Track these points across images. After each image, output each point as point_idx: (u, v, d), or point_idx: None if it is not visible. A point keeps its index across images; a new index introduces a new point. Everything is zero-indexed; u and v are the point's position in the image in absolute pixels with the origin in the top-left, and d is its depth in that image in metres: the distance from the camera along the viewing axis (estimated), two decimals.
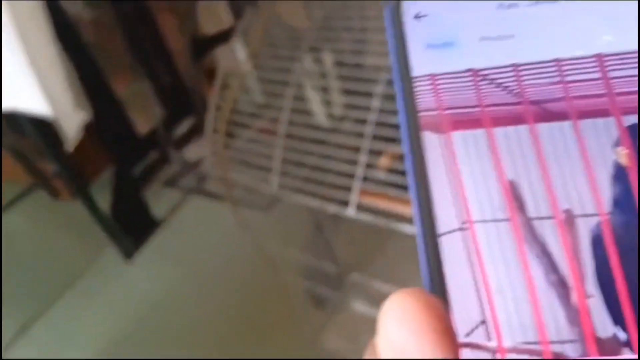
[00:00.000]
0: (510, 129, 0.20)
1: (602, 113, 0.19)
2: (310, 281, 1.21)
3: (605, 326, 0.18)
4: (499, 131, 0.20)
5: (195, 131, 1.90)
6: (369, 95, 0.88)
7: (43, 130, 1.45)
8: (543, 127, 0.20)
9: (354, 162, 0.87)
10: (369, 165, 0.86)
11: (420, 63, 0.20)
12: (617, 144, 0.19)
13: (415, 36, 0.21)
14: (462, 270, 0.19)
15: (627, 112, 0.19)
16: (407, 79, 0.20)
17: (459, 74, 0.20)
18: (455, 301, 0.19)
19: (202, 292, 1.62)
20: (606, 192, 0.19)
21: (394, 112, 0.86)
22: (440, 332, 0.18)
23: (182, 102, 1.82)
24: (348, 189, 0.87)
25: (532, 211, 0.19)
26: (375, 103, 0.86)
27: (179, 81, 1.82)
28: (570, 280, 0.19)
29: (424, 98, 0.20)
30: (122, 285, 1.70)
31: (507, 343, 0.18)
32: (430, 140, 0.20)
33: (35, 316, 1.65)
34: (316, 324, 1.36)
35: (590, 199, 0.19)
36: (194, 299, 1.61)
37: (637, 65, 0.19)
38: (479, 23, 0.20)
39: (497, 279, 0.19)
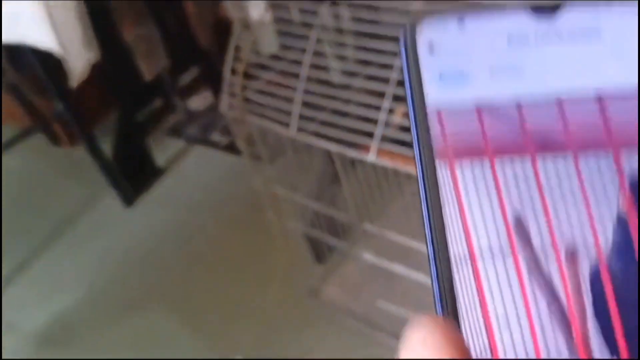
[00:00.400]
0: (517, 164, 0.20)
1: (605, 153, 0.20)
2: (316, 230, 1.21)
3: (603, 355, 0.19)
4: (506, 166, 0.20)
5: (201, 82, 1.89)
6: (384, 52, 0.87)
7: (48, 67, 1.44)
8: (549, 164, 0.20)
9: (376, 108, 0.87)
10: (391, 111, 0.86)
11: (433, 93, 0.21)
12: (619, 195, 0.20)
13: (429, 65, 0.21)
14: (468, 301, 0.19)
15: (628, 151, 0.20)
16: (421, 108, 0.21)
17: (468, 108, 0.21)
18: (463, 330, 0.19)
19: (200, 240, 1.63)
20: (608, 231, 0.19)
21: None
22: (461, 353, 0.18)
23: (189, 52, 1.80)
24: (369, 134, 0.87)
25: (537, 246, 0.20)
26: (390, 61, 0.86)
27: (187, 30, 1.80)
28: (571, 314, 0.19)
29: (435, 129, 0.21)
30: (120, 229, 1.70)
31: None
32: (440, 171, 0.20)
33: (32, 256, 1.65)
34: (318, 274, 1.38)
35: (592, 238, 0.19)
36: (191, 246, 1.61)
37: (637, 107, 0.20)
38: (490, 55, 0.21)
39: (501, 312, 0.19)
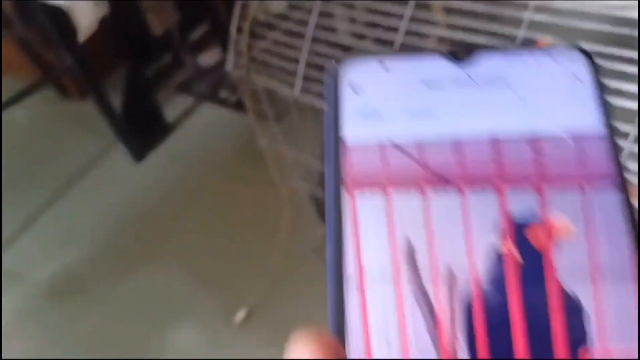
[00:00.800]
0: (411, 196, 0.22)
1: (490, 191, 0.22)
2: (321, 190, 1.22)
3: None
4: (401, 198, 0.22)
5: (210, 38, 1.88)
6: (394, 15, 0.86)
7: (56, 20, 1.43)
8: (440, 198, 0.22)
9: None
10: None
11: (347, 127, 0.23)
12: (499, 230, 0.22)
13: (349, 101, 0.24)
14: (356, 318, 0.21)
15: (515, 191, 0.22)
16: (334, 139, 0.23)
17: (375, 144, 0.23)
18: (350, 344, 0.21)
19: (208, 195, 1.65)
20: (485, 262, 0.21)
21: (418, 35, 0.86)
22: None
23: (199, 7, 1.79)
24: None
25: (423, 270, 0.21)
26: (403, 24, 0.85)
27: None
28: (446, 333, 0.21)
29: (344, 160, 0.23)
30: (129, 184, 1.72)
31: None
32: (344, 198, 0.22)
33: (41, 209, 1.67)
34: (322, 233, 1.39)
35: (469, 267, 0.21)
36: (199, 201, 1.63)
37: (527, 151, 0.22)
38: (405, 96, 0.24)
39: (382, 329, 0.21)
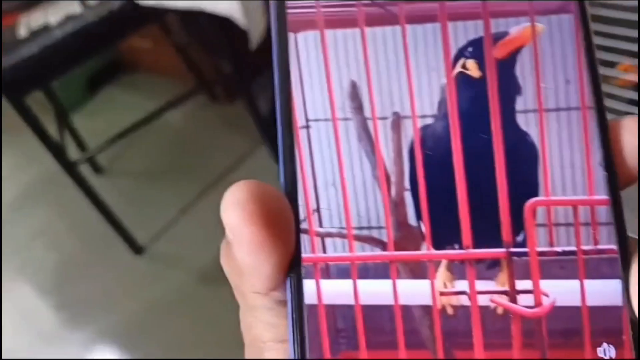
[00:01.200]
0: (350, 32, 0.22)
1: (433, 25, 0.21)
2: None
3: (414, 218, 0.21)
4: (339, 37, 0.22)
5: None
6: None
7: (221, 29, 1.55)
8: (378, 35, 0.21)
9: None
10: None
11: None
12: (464, 55, 0.21)
13: None
14: (305, 165, 0.21)
15: (456, 25, 0.21)
16: None
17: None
18: (300, 192, 0.21)
19: None
20: (433, 98, 0.21)
21: None
22: (267, 217, 0.20)
23: None
24: None
25: (368, 111, 0.21)
26: None
27: None
28: (392, 176, 0.21)
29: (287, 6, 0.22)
30: (270, 179, 1.81)
31: (326, 227, 0.21)
32: (290, 43, 0.22)
33: (193, 201, 1.81)
34: None
35: (411, 107, 0.21)
36: None
37: None
38: None
39: (330, 173, 0.21)
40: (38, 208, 1.93)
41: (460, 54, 0.21)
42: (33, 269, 1.77)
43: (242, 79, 1.70)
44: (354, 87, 0.21)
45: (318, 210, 0.21)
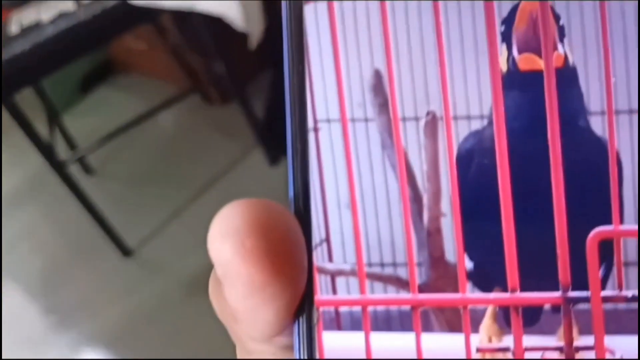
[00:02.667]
0: (371, 2, 0.16)
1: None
2: None
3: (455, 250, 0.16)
4: (362, 4, 0.16)
5: None
6: None
7: (212, 29, 1.54)
8: (414, 3, 0.16)
9: None
10: None
11: None
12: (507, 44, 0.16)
13: None
14: (324, 177, 0.17)
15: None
16: None
17: None
18: (314, 212, 0.16)
19: None
20: (485, 97, 0.15)
21: None
22: (271, 253, 0.15)
23: None
24: None
25: (394, 108, 0.16)
26: None
27: None
28: (425, 197, 0.16)
29: None
30: (264, 185, 1.80)
31: (338, 263, 0.16)
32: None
33: (183, 206, 1.78)
34: None
35: (469, 101, 0.16)
36: None
37: None
38: None
39: (343, 191, 0.16)
40: (24, 210, 1.89)
41: (504, 41, 0.16)
42: (19, 271, 1.74)
43: (236, 81, 1.69)
44: (377, 77, 0.16)
45: (327, 240, 0.17)
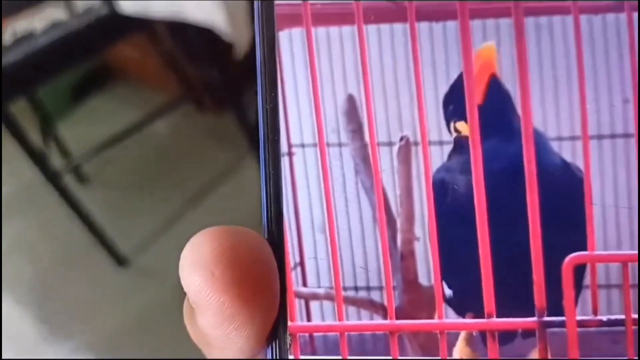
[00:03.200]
0: (347, 29, 0.16)
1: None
2: None
3: (430, 274, 0.16)
4: (336, 32, 0.16)
5: None
6: None
7: (206, 38, 1.55)
8: (387, 28, 0.16)
9: None
10: None
11: None
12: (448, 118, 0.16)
13: None
14: (299, 202, 0.16)
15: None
16: None
17: None
18: (289, 236, 0.16)
19: None
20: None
21: None
22: (242, 282, 0.15)
23: None
24: None
25: (367, 135, 0.16)
26: None
27: None
28: (399, 221, 0.16)
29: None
30: (258, 194, 1.80)
31: (312, 287, 0.16)
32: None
33: (176, 214, 1.78)
34: None
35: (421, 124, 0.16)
36: None
37: None
38: None
39: (318, 216, 0.16)
40: (18, 219, 1.89)
41: (446, 114, 0.16)
42: (13, 281, 1.73)
43: (230, 89, 1.69)
44: (351, 102, 0.16)
45: (302, 264, 0.17)
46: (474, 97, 0.15)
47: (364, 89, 0.16)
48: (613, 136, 0.16)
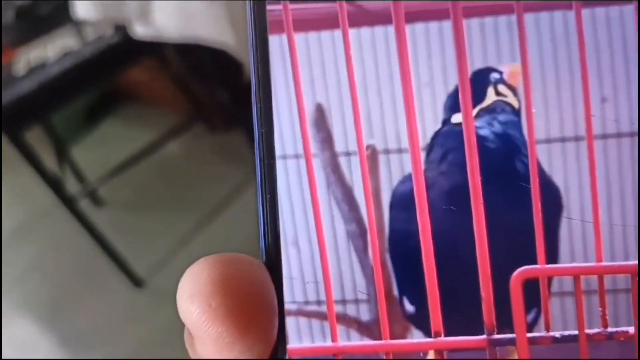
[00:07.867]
0: (315, 35, 0.16)
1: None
2: None
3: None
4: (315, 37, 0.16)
5: None
6: None
7: (216, 59, 1.57)
8: (355, 32, 0.16)
9: None
10: None
11: None
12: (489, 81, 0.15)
13: None
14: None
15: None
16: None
17: None
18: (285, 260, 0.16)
19: None
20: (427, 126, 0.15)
21: None
22: (240, 311, 0.15)
23: None
24: None
25: (338, 144, 0.16)
26: None
27: None
28: (369, 232, 0.15)
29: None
30: None
31: (290, 306, 0.15)
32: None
33: (189, 233, 1.80)
34: None
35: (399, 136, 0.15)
36: None
37: None
38: None
39: (290, 229, 0.16)
40: (33, 242, 1.91)
41: (486, 78, 0.16)
42: (30, 304, 1.75)
43: (241, 109, 1.71)
44: (319, 111, 0.16)
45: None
46: (468, 95, 0.15)
47: (351, 93, 0.15)
48: (577, 138, 0.15)
